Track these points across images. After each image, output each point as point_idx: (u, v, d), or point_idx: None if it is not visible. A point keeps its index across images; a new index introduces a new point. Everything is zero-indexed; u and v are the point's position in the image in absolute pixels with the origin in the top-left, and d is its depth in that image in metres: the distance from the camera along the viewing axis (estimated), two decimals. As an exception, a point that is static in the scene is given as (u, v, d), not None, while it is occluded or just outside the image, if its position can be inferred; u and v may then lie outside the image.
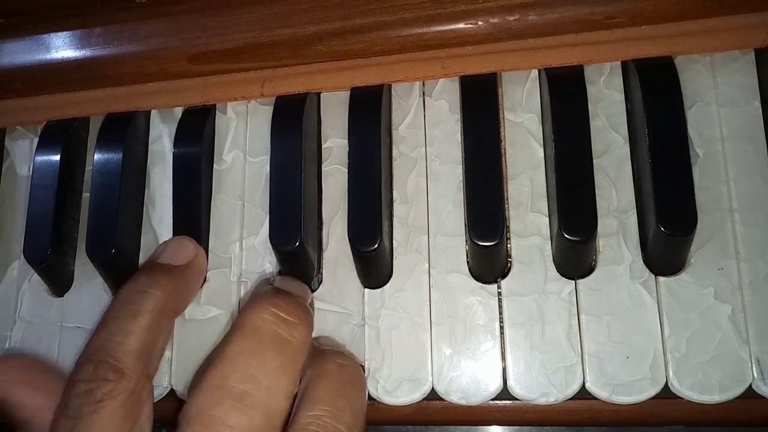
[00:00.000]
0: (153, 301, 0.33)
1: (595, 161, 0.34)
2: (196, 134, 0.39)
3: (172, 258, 0.35)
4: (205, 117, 0.39)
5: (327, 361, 0.32)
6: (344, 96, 0.38)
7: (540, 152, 0.35)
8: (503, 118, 0.36)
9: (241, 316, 0.32)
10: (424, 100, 0.37)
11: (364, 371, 0.34)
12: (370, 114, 0.36)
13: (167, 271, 0.35)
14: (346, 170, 0.36)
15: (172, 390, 0.36)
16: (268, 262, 0.37)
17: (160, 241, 0.38)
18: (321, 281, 0.36)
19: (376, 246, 0.33)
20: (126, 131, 0.39)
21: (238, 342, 0.31)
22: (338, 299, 0.36)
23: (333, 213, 0.37)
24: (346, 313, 0.35)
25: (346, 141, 0.37)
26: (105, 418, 0.29)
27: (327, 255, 0.36)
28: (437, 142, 0.36)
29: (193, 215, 0.37)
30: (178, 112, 0.40)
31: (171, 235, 0.38)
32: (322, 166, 0.38)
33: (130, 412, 0.30)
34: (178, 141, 0.39)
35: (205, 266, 0.37)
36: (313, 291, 0.36)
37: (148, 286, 0.33)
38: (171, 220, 0.38)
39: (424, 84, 0.38)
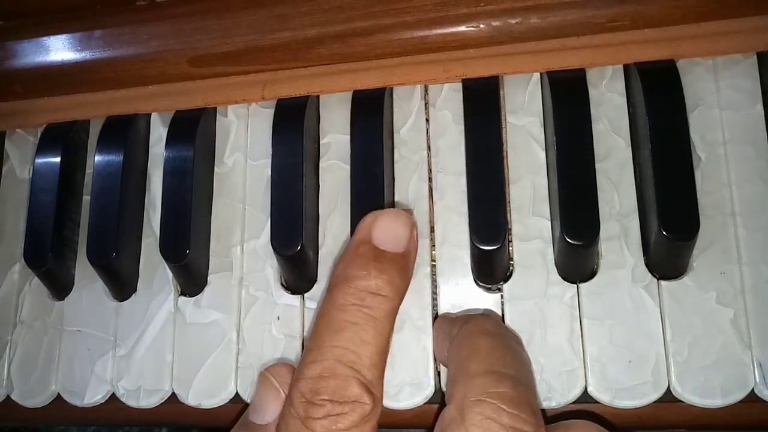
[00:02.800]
0: (389, 305, 0.29)
1: (597, 165, 0.34)
2: (188, 137, 0.38)
3: (396, 243, 0.31)
4: (196, 119, 0.39)
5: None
6: (343, 94, 0.38)
7: (542, 155, 0.35)
8: (505, 121, 0.36)
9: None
10: (426, 103, 0.37)
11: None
12: (372, 117, 0.36)
13: (397, 264, 0.30)
14: (344, 166, 0.36)
15: (173, 393, 0.36)
16: (269, 266, 0.37)
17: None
18: (316, 279, 0.36)
19: (377, 250, 0.33)
20: (126, 134, 0.39)
21: (490, 339, 0.29)
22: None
23: (330, 209, 0.37)
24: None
25: (345, 137, 0.37)
26: None
27: (323, 252, 0.36)
28: (441, 153, 0.36)
29: (180, 219, 0.37)
30: (179, 114, 0.40)
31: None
32: (320, 161, 0.38)
33: None
34: (167, 144, 0.39)
35: (417, 241, 0.33)
36: (307, 290, 0.36)
37: (381, 287, 0.29)
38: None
39: (425, 87, 0.37)
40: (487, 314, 0.33)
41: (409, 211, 0.35)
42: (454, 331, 0.30)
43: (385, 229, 0.31)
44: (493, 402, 0.25)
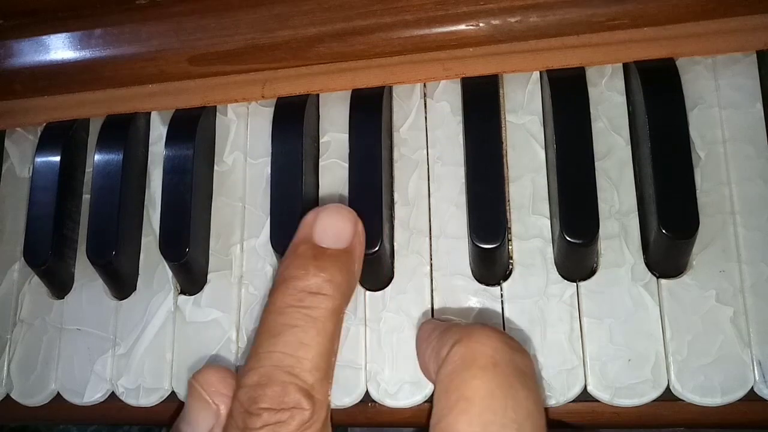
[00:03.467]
0: (330, 303, 0.28)
1: (596, 163, 0.34)
2: (188, 135, 0.38)
3: (337, 239, 0.29)
4: (196, 118, 0.39)
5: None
6: (343, 92, 0.38)
7: (541, 154, 0.35)
8: (505, 120, 0.36)
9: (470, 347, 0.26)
10: (425, 101, 0.37)
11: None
12: (371, 116, 0.36)
13: (338, 260, 0.29)
14: (344, 165, 0.36)
15: (172, 392, 0.36)
16: (269, 264, 0.37)
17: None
18: None
19: (377, 248, 0.33)
20: (126, 133, 0.39)
21: (486, 379, 0.25)
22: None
23: (330, 209, 0.37)
24: (345, 314, 0.35)
25: (344, 135, 0.37)
26: None
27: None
28: (439, 144, 0.36)
29: (180, 218, 0.37)
30: (179, 113, 0.40)
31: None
32: (320, 160, 0.38)
33: None
34: (167, 142, 0.39)
35: (365, 238, 0.31)
36: None
37: (322, 285, 0.28)
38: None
39: (425, 86, 0.37)
40: (485, 329, 0.27)
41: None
42: (443, 351, 0.27)
43: (325, 226, 0.30)
44: None
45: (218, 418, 0.28)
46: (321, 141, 0.38)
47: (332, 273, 0.28)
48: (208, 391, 0.29)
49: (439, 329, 0.29)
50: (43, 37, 0.40)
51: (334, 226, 0.30)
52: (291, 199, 0.35)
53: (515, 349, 0.26)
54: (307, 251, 0.29)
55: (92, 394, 0.37)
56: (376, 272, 0.35)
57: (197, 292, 0.37)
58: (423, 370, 0.31)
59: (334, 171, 0.37)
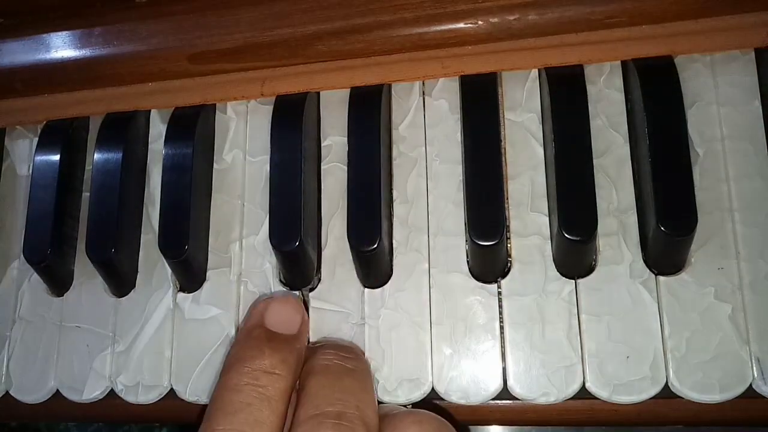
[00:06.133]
0: (283, 384, 0.29)
1: (595, 161, 0.34)
2: (187, 133, 0.38)
3: (285, 326, 0.32)
4: (195, 116, 0.39)
5: (406, 423, 0.28)
6: (344, 94, 0.38)
7: (540, 152, 0.35)
8: (503, 117, 0.36)
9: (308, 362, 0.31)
10: (424, 99, 0.37)
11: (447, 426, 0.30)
12: (369, 114, 0.36)
13: (288, 345, 0.31)
14: (346, 168, 0.36)
15: (171, 389, 0.36)
16: (267, 262, 0.37)
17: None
18: (320, 280, 0.36)
19: (375, 246, 0.33)
20: (126, 131, 0.39)
21: (312, 381, 0.30)
22: (337, 298, 0.35)
23: (332, 211, 0.37)
24: (345, 312, 0.35)
25: (346, 139, 0.37)
26: None
27: (326, 253, 0.36)
28: (437, 141, 0.36)
29: (179, 216, 0.37)
30: (179, 111, 0.40)
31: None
32: (322, 164, 0.38)
33: None
34: (166, 140, 0.39)
35: (308, 328, 0.34)
36: (311, 290, 0.36)
37: (276, 365, 0.29)
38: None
39: (424, 84, 0.38)
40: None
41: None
42: None
43: (276, 313, 0.32)
44: None
45: None
46: (323, 144, 0.38)
47: (285, 355, 0.30)
48: None
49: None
50: (43, 35, 0.40)
51: (285, 313, 0.32)
52: (290, 197, 0.35)
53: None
54: (261, 334, 0.31)
55: (91, 392, 0.37)
56: (375, 270, 0.35)
57: (196, 290, 0.37)
58: None
59: (336, 174, 0.37)
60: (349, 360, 0.31)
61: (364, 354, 0.34)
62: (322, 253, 0.36)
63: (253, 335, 0.31)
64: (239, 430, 0.27)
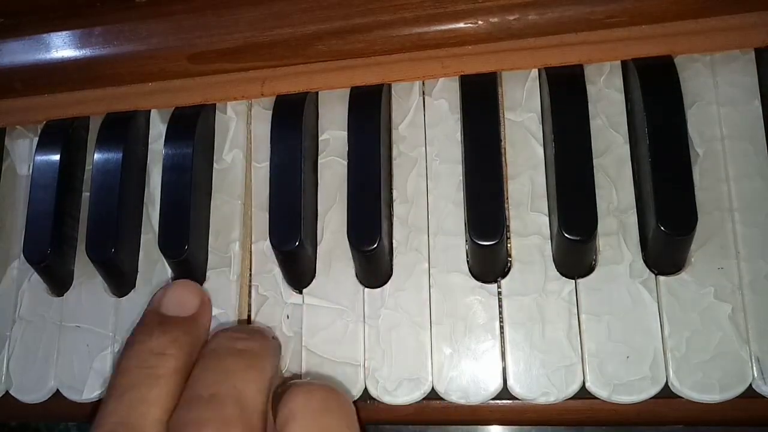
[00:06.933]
0: (173, 363, 0.30)
1: (595, 161, 0.34)
2: (187, 133, 0.38)
3: (180, 308, 0.33)
4: (195, 116, 0.39)
5: (294, 394, 0.29)
6: (342, 90, 0.38)
7: (540, 152, 0.35)
8: (503, 117, 0.36)
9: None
10: (424, 99, 0.37)
11: (336, 393, 0.30)
12: (370, 113, 0.36)
13: (181, 326, 0.32)
14: (343, 162, 0.36)
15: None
16: (276, 267, 0.36)
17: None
18: (315, 275, 0.36)
19: (375, 246, 0.33)
20: (126, 131, 0.39)
21: (199, 364, 0.31)
22: (333, 295, 0.35)
23: (329, 205, 0.37)
24: (340, 309, 0.35)
25: (343, 133, 0.37)
26: None
27: (321, 248, 0.36)
28: (437, 141, 0.36)
29: (179, 215, 0.37)
30: (179, 111, 0.40)
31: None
32: (319, 158, 0.38)
33: None
34: (166, 140, 0.39)
35: (211, 310, 0.35)
36: (306, 286, 0.36)
37: (165, 346, 0.30)
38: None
39: (424, 83, 0.38)
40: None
41: None
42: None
43: (171, 297, 0.33)
44: None
45: None
46: (320, 139, 0.38)
47: (176, 335, 0.31)
48: None
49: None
50: (43, 35, 0.40)
51: (178, 297, 0.33)
52: (290, 197, 0.35)
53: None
54: (153, 319, 0.32)
55: (91, 391, 0.37)
56: (375, 269, 0.35)
57: (196, 290, 0.37)
58: None
59: (333, 168, 0.37)
60: (239, 341, 0.31)
61: (268, 335, 0.34)
62: (318, 247, 0.36)
63: (146, 321, 0.32)
64: (126, 411, 0.28)
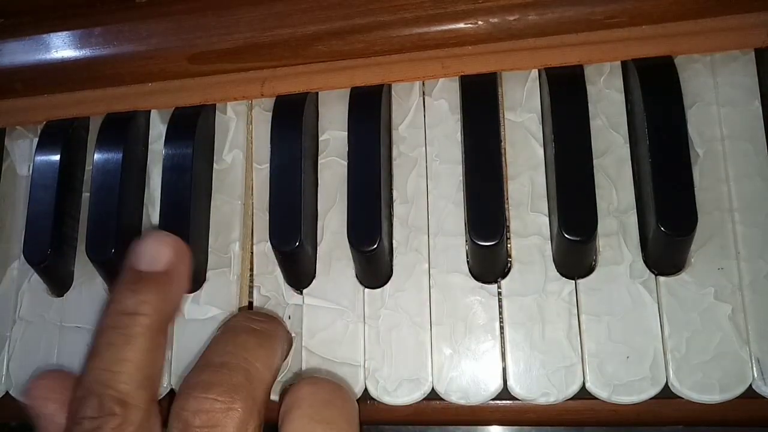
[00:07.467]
0: (145, 321, 0.30)
1: (595, 161, 0.34)
2: (187, 134, 0.38)
3: (153, 262, 0.32)
4: (195, 116, 0.39)
5: (301, 385, 0.30)
6: (342, 90, 0.38)
7: (540, 152, 0.35)
8: (503, 117, 0.36)
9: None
10: (424, 99, 0.37)
11: (341, 389, 0.31)
12: (370, 114, 0.36)
13: (153, 282, 0.32)
14: (343, 163, 0.36)
15: (172, 390, 0.36)
16: (278, 267, 0.37)
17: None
18: (315, 275, 0.36)
19: (375, 246, 0.33)
20: (126, 131, 0.39)
21: (215, 337, 0.33)
22: (332, 295, 0.35)
23: (329, 205, 0.37)
24: (340, 309, 0.35)
25: (343, 133, 0.37)
26: None
27: (321, 248, 0.36)
28: (437, 141, 0.36)
29: (179, 216, 0.37)
30: (179, 112, 0.40)
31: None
32: (319, 158, 0.38)
33: None
34: (166, 140, 0.39)
35: (190, 259, 0.34)
36: (306, 286, 0.36)
37: (136, 305, 0.31)
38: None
39: (424, 84, 0.38)
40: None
41: None
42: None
43: (142, 252, 0.32)
44: None
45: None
46: (320, 139, 0.38)
47: (146, 294, 0.31)
48: (39, 402, 0.32)
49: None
50: (43, 35, 0.40)
51: (150, 251, 0.32)
52: (290, 197, 0.35)
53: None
54: (126, 278, 0.32)
55: (91, 392, 0.37)
56: (375, 270, 0.35)
57: (196, 290, 0.37)
58: None
59: (333, 169, 0.37)
60: (256, 321, 0.33)
61: (282, 324, 0.35)
62: (318, 248, 0.36)
63: (121, 281, 0.32)
64: (101, 368, 0.30)
